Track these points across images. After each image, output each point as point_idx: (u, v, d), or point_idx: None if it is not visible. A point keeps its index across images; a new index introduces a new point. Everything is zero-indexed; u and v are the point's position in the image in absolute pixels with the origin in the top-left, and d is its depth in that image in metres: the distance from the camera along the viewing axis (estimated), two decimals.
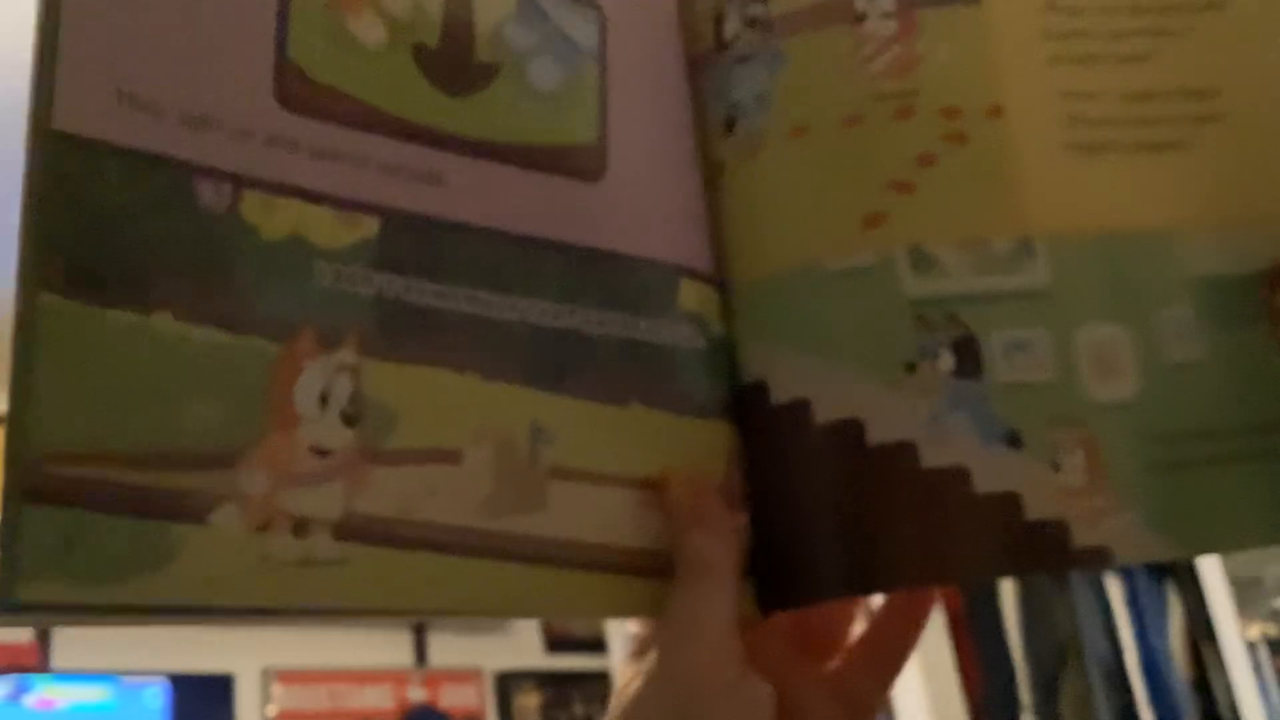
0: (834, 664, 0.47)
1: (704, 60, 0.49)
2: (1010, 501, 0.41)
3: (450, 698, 3.52)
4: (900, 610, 0.47)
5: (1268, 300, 0.43)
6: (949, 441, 0.42)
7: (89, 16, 0.37)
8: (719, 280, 0.47)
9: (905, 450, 0.42)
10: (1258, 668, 2.39)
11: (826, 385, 0.43)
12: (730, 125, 0.47)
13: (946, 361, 0.42)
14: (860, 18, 0.46)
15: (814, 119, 0.45)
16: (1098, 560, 0.40)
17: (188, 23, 0.39)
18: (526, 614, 0.42)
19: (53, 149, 0.36)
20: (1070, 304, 0.42)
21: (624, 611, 0.44)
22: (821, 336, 0.44)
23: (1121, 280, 0.43)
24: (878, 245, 0.44)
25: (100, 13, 0.37)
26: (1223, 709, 2.54)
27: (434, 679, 3.51)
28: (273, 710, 3.32)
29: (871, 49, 0.45)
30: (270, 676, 3.37)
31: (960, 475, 0.41)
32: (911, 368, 0.42)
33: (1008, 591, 2.79)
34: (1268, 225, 0.44)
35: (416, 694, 3.48)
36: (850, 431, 0.43)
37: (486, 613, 0.42)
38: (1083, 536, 0.40)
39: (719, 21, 0.48)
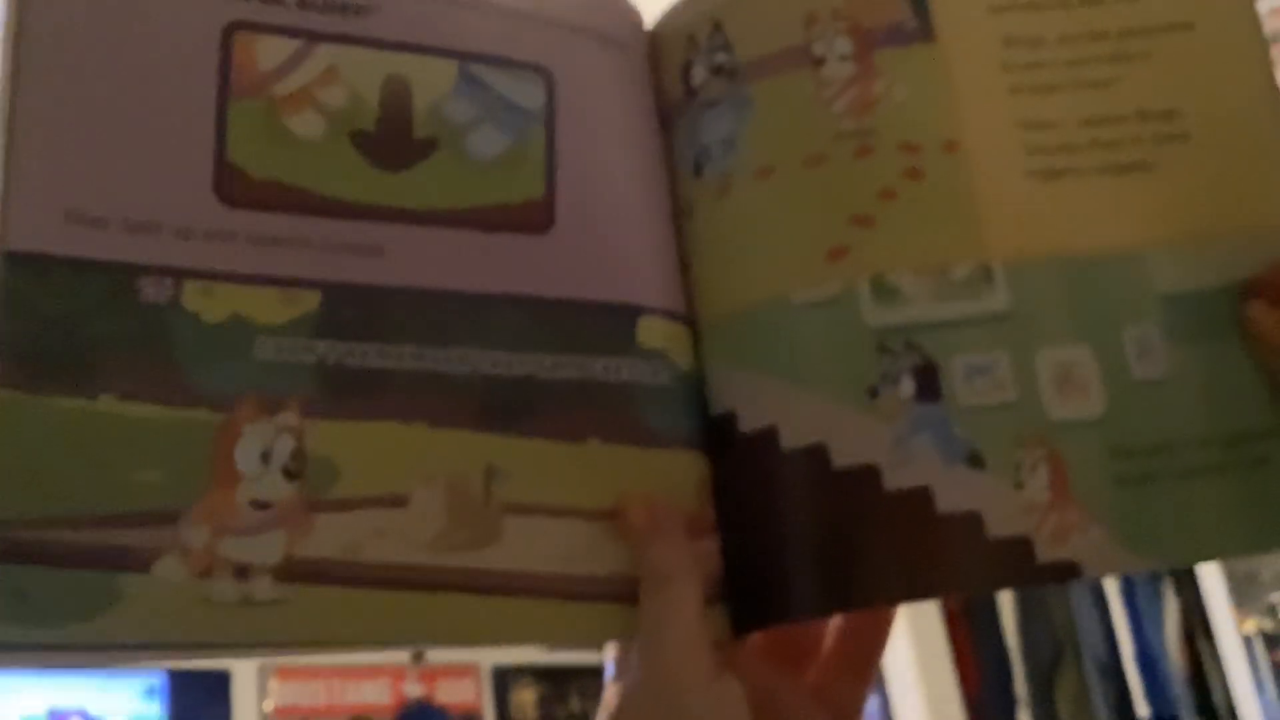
0: (813, 673, 0.48)
1: (674, 108, 0.51)
2: (972, 520, 0.41)
3: (447, 693, 3.52)
4: (867, 615, 0.48)
5: (1240, 313, 0.43)
6: (912, 463, 0.43)
7: (40, 147, 0.41)
8: (688, 317, 0.48)
9: (869, 473, 0.43)
10: (1253, 663, 2.39)
11: (793, 412, 0.45)
12: (699, 168, 0.49)
13: (907, 387, 0.43)
14: (819, 61, 0.47)
15: (779, 160, 0.47)
16: (1064, 575, 0.41)
17: (130, 142, 0.42)
18: (483, 642, 0.44)
19: (6, 266, 0.40)
20: (1030, 326, 0.43)
21: (589, 635, 0.45)
22: (788, 366, 0.45)
23: (1084, 301, 0.43)
24: (841, 277, 0.45)
25: (50, 143, 0.41)
26: (1218, 704, 2.55)
27: (430, 674, 3.52)
28: (270, 705, 3.33)
29: (832, 91, 0.47)
30: (267, 672, 3.37)
31: (922, 496, 0.42)
32: (874, 393, 0.43)
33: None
34: (1235, 240, 0.44)
35: (413, 689, 3.48)
36: (816, 456, 0.44)
37: (439, 642, 0.43)
38: (1048, 552, 0.41)
39: (687, 70, 0.50)
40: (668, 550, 0.44)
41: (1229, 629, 2.41)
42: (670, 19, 0.52)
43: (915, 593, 0.43)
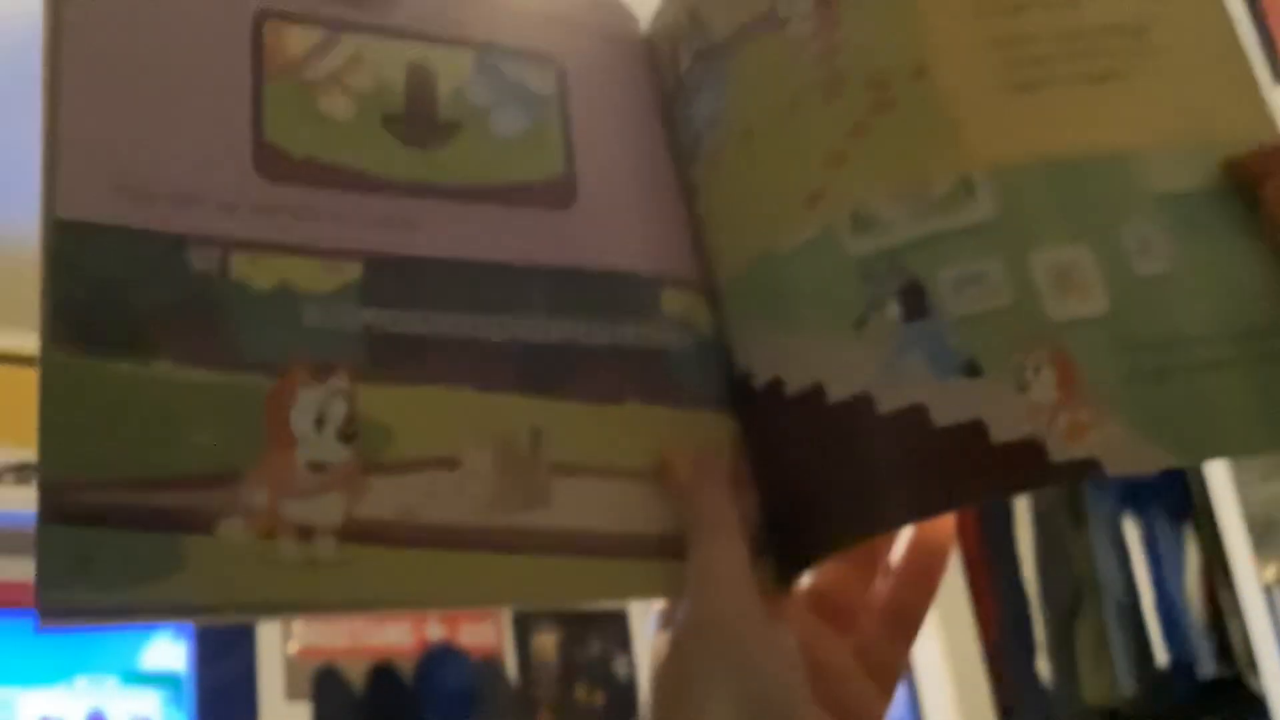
0: (857, 634, 0.48)
1: (670, 98, 0.53)
2: (974, 429, 0.41)
3: (469, 636, 3.55)
4: (913, 576, 0.49)
5: (1257, 198, 0.42)
6: (904, 384, 0.42)
7: (87, 118, 0.42)
8: (706, 286, 0.50)
9: (862, 401, 0.43)
10: (1273, 609, 2.40)
11: (792, 360, 0.45)
12: (695, 150, 0.51)
13: (893, 310, 0.43)
14: (784, 22, 0.48)
15: (756, 123, 0.48)
16: (1084, 473, 0.40)
17: (172, 121, 0.44)
18: (538, 603, 0.45)
19: (58, 233, 0.41)
20: (1020, 230, 0.42)
21: (638, 593, 0.46)
22: (783, 316, 0.46)
23: (1076, 201, 0.43)
24: (820, 218, 0.45)
25: (96, 114, 0.43)
26: (1238, 650, 2.55)
27: (453, 617, 3.54)
28: (294, 647, 3.36)
29: (797, 47, 0.47)
30: None
31: (918, 413, 0.42)
32: (861, 323, 0.43)
33: (1024, 533, 2.79)
34: (1218, 149, 0.43)
35: (435, 632, 3.52)
36: (814, 396, 0.44)
37: (497, 603, 0.44)
38: (1062, 451, 0.40)
39: (675, 62, 0.52)
40: (714, 501, 0.45)
41: (1249, 576, 2.41)
42: (657, 19, 0.54)
43: (927, 509, 0.44)
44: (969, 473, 0.41)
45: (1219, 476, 2.43)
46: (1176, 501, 2.71)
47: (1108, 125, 0.44)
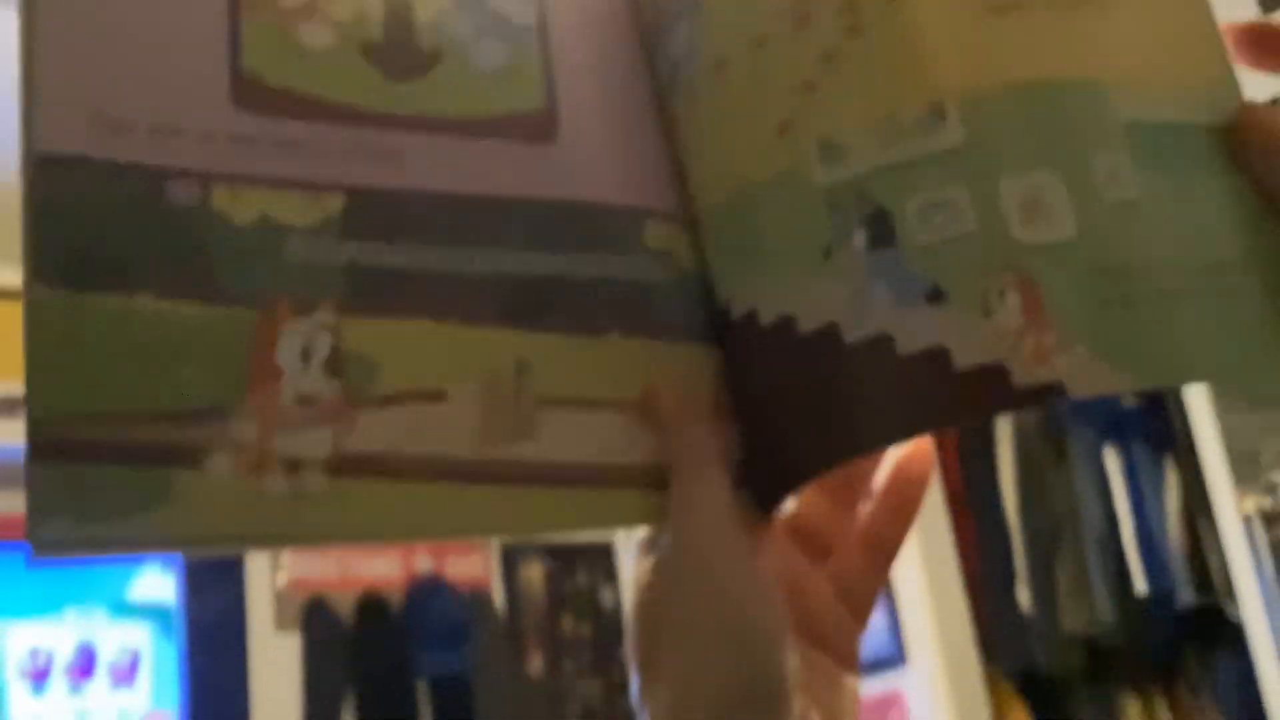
0: (835, 563, 0.50)
1: (650, 30, 0.52)
2: (937, 355, 0.41)
3: (456, 568, 3.58)
4: (892, 506, 0.50)
5: (1236, 150, 0.42)
6: (869, 313, 0.42)
7: (63, 52, 0.42)
8: (688, 219, 0.50)
9: (830, 332, 0.43)
10: (1252, 540, 2.43)
11: (765, 291, 0.46)
12: (673, 82, 0.50)
13: (859, 239, 0.43)
14: None
15: (729, 53, 0.48)
16: (1048, 396, 0.40)
17: (149, 49, 0.44)
18: (524, 532, 0.45)
19: (37, 168, 0.41)
20: (989, 157, 0.42)
21: (621, 521, 0.47)
22: (757, 247, 0.46)
23: (1046, 128, 0.42)
24: (789, 149, 0.45)
25: (72, 48, 0.42)
26: (1216, 579, 2.58)
27: (440, 549, 3.57)
28: (283, 579, 3.38)
29: None
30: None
31: (882, 342, 0.42)
32: (828, 252, 0.44)
33: (1006, 464, 2.82)
34: (1189, 87, 0.43)
35: (423, 564, 3.54)
36: (786, 328, 0.45)
37: (483, 533, 0.44)
38: (1026, 375, 0.40)
39: None
40: (695, 433, 0.45)
41: (1229, 508, 2.44)
42: None
43: (894, 436, 0.44)
44: (934, 398, 0.42)
45: (1200, 408, 2.45)
46: (1158, 433, 2.73)
47: (1080, 53, 0.43)
